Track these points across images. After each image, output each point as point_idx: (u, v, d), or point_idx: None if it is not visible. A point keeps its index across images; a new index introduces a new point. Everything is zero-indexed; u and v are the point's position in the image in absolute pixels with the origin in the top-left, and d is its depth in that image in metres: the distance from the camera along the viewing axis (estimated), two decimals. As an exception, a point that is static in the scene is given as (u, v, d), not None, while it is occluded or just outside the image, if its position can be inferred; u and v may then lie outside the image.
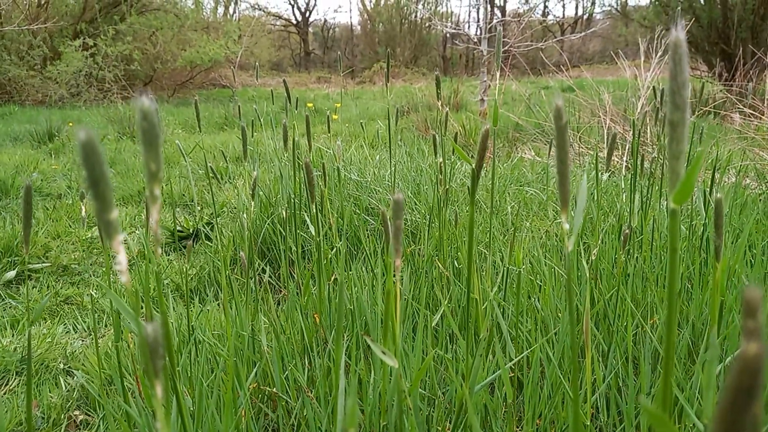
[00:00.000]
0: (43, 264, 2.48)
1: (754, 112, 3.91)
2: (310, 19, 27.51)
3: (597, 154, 1.49)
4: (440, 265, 1.42)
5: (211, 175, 1.63)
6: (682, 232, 1.67)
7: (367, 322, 1.36)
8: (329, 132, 1.97)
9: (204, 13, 13.78)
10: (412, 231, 2.30)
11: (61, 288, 2.29)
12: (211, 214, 3.00)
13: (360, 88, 14.73)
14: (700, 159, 0.31)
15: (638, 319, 1.22)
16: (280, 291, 2.04)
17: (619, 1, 18.27)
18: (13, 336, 1.89)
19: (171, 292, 2.23)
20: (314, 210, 1.12)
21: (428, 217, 1.93)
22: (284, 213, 1.56)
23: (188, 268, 2.34)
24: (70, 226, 3.02)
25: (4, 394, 1.59)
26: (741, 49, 7.16)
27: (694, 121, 1.88)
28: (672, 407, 0.95)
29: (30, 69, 10.28)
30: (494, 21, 7.50)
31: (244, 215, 1.25)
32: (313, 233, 1.27)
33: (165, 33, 11.74)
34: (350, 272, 1.55)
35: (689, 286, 1.46)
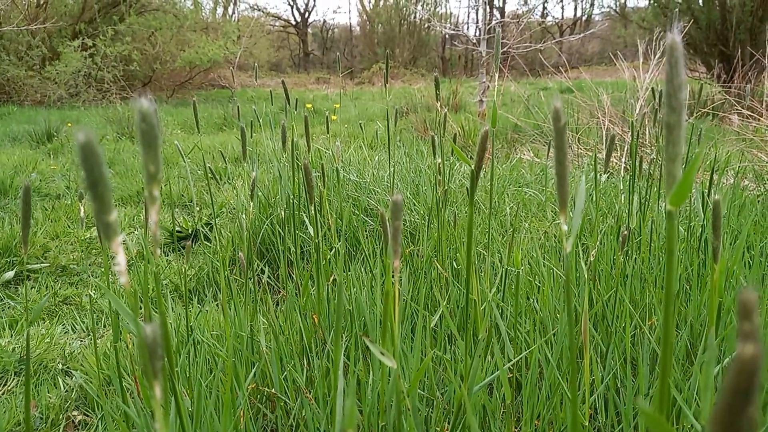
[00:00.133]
0: (42, 264, 2.48)
1: (752, 114, 3.91)
2: (309, 20, 27.51)
3: (596, 155, 1.49)
4: (439, 266, 1.42)
5: (209, 175, 1.63)
6: (680, 234, 1.67)
7: (366, 323, 1.36)
8: (328, 133, 1.97)
9: (203, 14, 13.78)
10: (411, 232, 2.30)
11: (60, 288, 2.28)
12: (210, 214, 3.00)
13: (359, 88, 14.74)
14: (697, 161, 0.31)
15: (636, 320, 1.22)
16: (279, 291, 2.04)
17: (617, 3, 18.30)
18: (11, 336, 1.88)
19: (170, 292, 2.23)
20: (313, 211, 1.12)
21: (427, 218, 1.93)
22: (283, 214, 1.56)
23: (187, 269, 2.34)
24: (69, 227, 3.02)
25: (3, 394, 1.59)
26: (739, 50, 7.17)
27: (692, 122, 1.88)
28: (670, 408, 0.95)
29: (29, 69, 10.27)
30: (493, 22, 7.51)
31: (243, 216, 1.26)
32: (312, 234, 1.27)
33: (164, 33, 11.74)
34: (349, 273, 1.55)
35: (688, 287, 1.46)
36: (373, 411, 0.97)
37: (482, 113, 6.96)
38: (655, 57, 4.04)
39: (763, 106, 3.88)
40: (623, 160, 3.49)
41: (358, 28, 26.42)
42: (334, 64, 23.97)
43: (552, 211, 2.42)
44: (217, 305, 1.96)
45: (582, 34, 8.33)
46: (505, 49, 6.74)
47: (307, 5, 29.07)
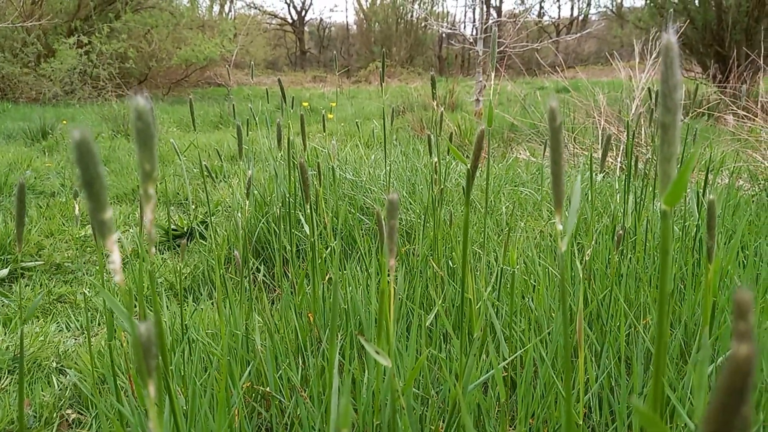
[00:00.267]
0: (36, 262, 2.47)
1: (747, 114, 3.93)
2: (306, 18, 27.47)
3: (591, 155, 1.49)
4: (434, 265, 1.42)
5: (205, 173, 1.62)
6: (675, 233, 1.67)
7: (362, 322, 1.36)
8: (324, 131, 1.96)
9: (199, 12, 13.75)
10: (407, 231, 2.30)
11: (54, 286, 2.28)
12: (206, 213, 2.99)
13: (356, 87, 14.72)
14: (692, 161, 0.31)
15: (631, 319, 1.22)
16: (275, 290, 2.04)
17: (614, 3, 18.33)
18: (5, 334, 1.88)
19: (165, 291, 2.22)
20: (309, 209, 1.12)
21: (423, 216, 1.93)
22: (278, 212, 1.56)
23: (182, 267, 2.33)
24: (64, 225, 3.00)
25: (-4, 392, 1.58)
26: (735, 51, 7.19)
27: (688, 122, 1.89)
28: (664, 407, 0.96)
29: (24, 66, 10.22)
30: (490, 21, 7.51)
31: (239, 214, 1.25)
32: (308, 232, 1.27)
33: (160, 31, 11.70)
34: (345, 272, 1.55)
35: (682, 286, 1.47)
36: (368, 410, 0.97)
37: (479, 112, 6.96)
38: (651, 57, 4.05)
39: (758, 106, 3.90)
40: (619, 159, 3.50)
41: (354, 27, 26.39)
42: (330, 62, 23.95)
43: (548, 211, 2.42)
44: (212, 304, 1.96)
45: (578, 34, 8.34)
46: (501, 48, 6.74)
47: (303, 3, 29.00)
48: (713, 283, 1.22)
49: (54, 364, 1.72)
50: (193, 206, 3.36)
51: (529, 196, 2.82)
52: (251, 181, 1.14)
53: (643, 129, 3.50)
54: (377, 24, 22.66)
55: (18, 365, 1.69)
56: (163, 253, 2.63)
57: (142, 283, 0.86)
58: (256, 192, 2.51)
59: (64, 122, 6.64)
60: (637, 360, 1.13)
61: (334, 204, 2.28)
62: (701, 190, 1.69)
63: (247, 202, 1.18)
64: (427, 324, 1.03)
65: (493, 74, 1.12)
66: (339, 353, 1.26)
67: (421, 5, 22.56)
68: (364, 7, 23.27)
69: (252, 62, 2.69)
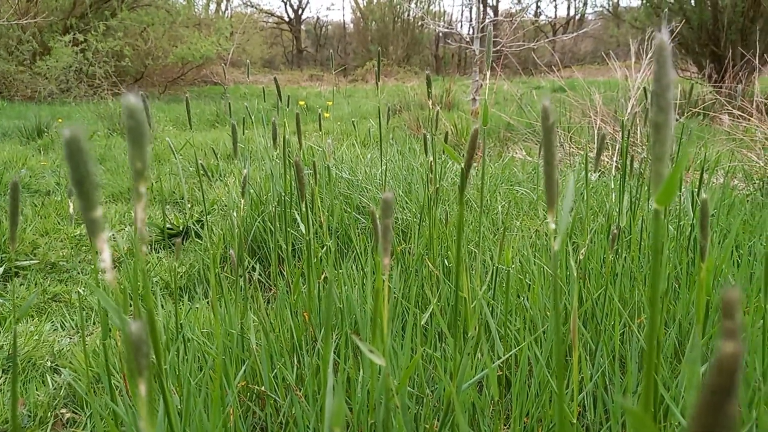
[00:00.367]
0: (31, 261, 2.46)
1: (742, 114, 3.94)
2: (303, 17, 27.39)
3: (587, 154, 1.50)
4: (430, 264, 1.42)
5: (201, 172, 1.62)
6: (670, 232, 1.68)
7: (357, 321, 1.36)
8: (320, 130, 1.96)
9: (196, 10, 13.71)
10: (403, 230, 2.30)
11: (49, 285, 2.27)
12: (202, 211, 2.99)
13: (352, 86, 14.71)
14: (684, 161, 0.31)
15: (626, 318, 1.23)
16: (271, 289, 2.04)
17: (610, 2, 18.35)
18: (0, 333, 1.87)
19: (160, 290, 2.22)
20: (304, 208, 1.12)
21: (419, 215, 1.93)
22: (274, 211, 1.56)
23: (177, 266, 2.33)
24: (59, 223, 3.00)
25: (-9, 392, 1.57)
26: (730, 51, 7.21)
27: (683, 122, 1.89)
28: (658, 406, 0.96)
29: (19, 64, 10.18)
30: (486, 20, 7.52)
31: (234, 213, 1.25)
32: (304, 231, 1.27)
33: (156, 29, 11.67)
34: (340, 271, 1.55)
35: (677, 285, 1.47)
36: (363, 409, 0.97)
37: (475, 111, 6.97)
38: (646, 56, 4.05)
39: (754, 106, 3.91)
40: (615, 159, 3.51)
41: (351, 26, 26.37)
42: (327, 61, 23.90)
43: (543, 210, 2.43)
44: (207, 303, 1.96)
45: (575, 33, 8.35)
46: (498, 47, 6.75)
47: (300, 2, 28.96)
48: (707, 281, 1.22)
49: (49, 364, 1.71)
50: (189, 205, 3.36)
51: (525, 195, 2.82)
52: (246, 179, 1.14)
53: (638, 128, 3.51)
54: (374, 23, 22.64)
55: (12, 364, 1.68)
56: (158, 252, 2.62)
57: (137, 281, 0.86)
58: (252, 191, 2.50)
59: (60, 121, 6.61)
60: (631, 359, 1.13)
61: (330, 203, 2.28)
62: (696, 190, 1.70)
63: (243, 201, 1.18)
64: (422, 323, 1.03)
65: (488, 73, 1.12)
66: (334, 352, 1.26)
67: (418, 4, 22.55)
68: (361, 6, 23.25)
69: (248, 61, 2.68)
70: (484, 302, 1.00)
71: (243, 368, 1.06)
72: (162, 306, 1.87)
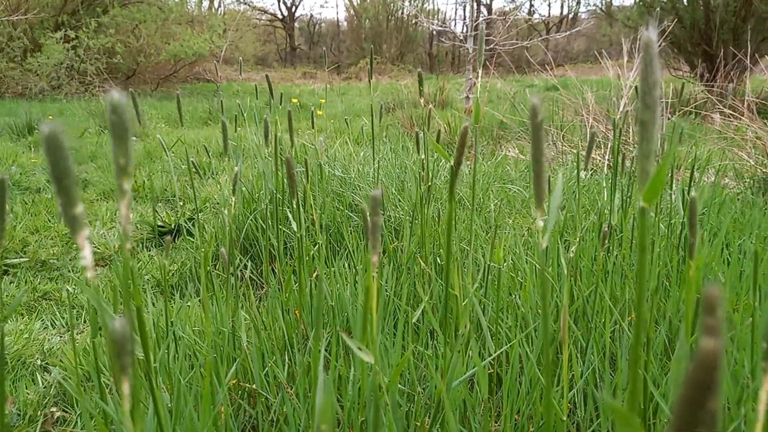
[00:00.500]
0: (21, 259, 2.44)
1: (733, 113, 3.96)
2: (296, 14, 27.32)
3: (579, 152, 1.50)
4: (422, 262, 1.42)
5: (193, 170, 1.61)
6: (661, 231, 1.69)
7: (349, 319, 1.36)
8: (313, 128, 1.96)
9: (188, 7, 13.63)
10: (396, 228, 2.30)
11: (40, 283, 2.25)
12: (194, 209, 2.97)
13: (346, 84, 14.69)
14: (669, 158, 0.31)
15: (616, 316, 1.23)
16: (263, 287, 2.03)
17: (603, 1, 18.41)
18: (-11, 332, 1.85)
19: (151, 288, 2.21)
20: (295, 205, 1.12)
21: (412, 213, 1.93)
22: (266, 209, 1.55)
23: (168, 264, 2.32)
24: (49, 221, 2.98)
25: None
26: (722, 50, 7.25)
27: (674, 121, 1.90)
28: (648, 403, 0.97)
29: (10, 61, 10.09)
30: (480, 19, 7.53)
31: (226, 211, 1.25)
32: (295, 229, 1.27)
33: (148, 26, 11.60)
34: (332, 269, 1.55)
35: (667, 283, 1.48)
36: (354, 406, 0.97)
37: (468, 110, 6.97)
38: (639, 55, 4.06)
39: (744, 105, 3.93)
40: (607, 157, 3.52)
41: (345, 23, 26.32)
42: (321, 59, 23.84)
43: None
44: (199, 301, 1.95)
45: (568, 32, 8.37)
46: (491, 46, 6.75)
47: (293, -1, 28.85)
48: (697, 279, 1.22)
49: (39, 362, 1.70)
50: (181, 203, 3.34)
51: (517, 193, 2.83)
52: (237, 177, 1.14)
53: (630, 127, 3.52)
54: (368, 21, 22.61)
55: None
56: (149, 250, 2.61)
57: (127, 279, 0.85)
58: (244, 189, 2.50)
59: (51, 118, 6.57)
60: (621, 356, 1.14)
61: (322, 200, 2.27)
62: (687, 188, 1.71)
63: (233, 199, 1.17)
64: (413, 320, 1.03)
65: (480, 71, 1.12)
66: (325, 350, 1.26)
67: (412, 2, 22.53)
68: (355, 4, 23.21)
69: (240, 58, 2.67)
70: (476, 300, 1.00)
71: (234, 366, 1.06)
72: (153, 304, 1.86)
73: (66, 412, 1.48)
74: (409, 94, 7.88)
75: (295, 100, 7.01)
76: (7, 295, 2.15)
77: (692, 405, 0.21)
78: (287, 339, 1.28)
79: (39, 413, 1.46)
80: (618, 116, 3.28)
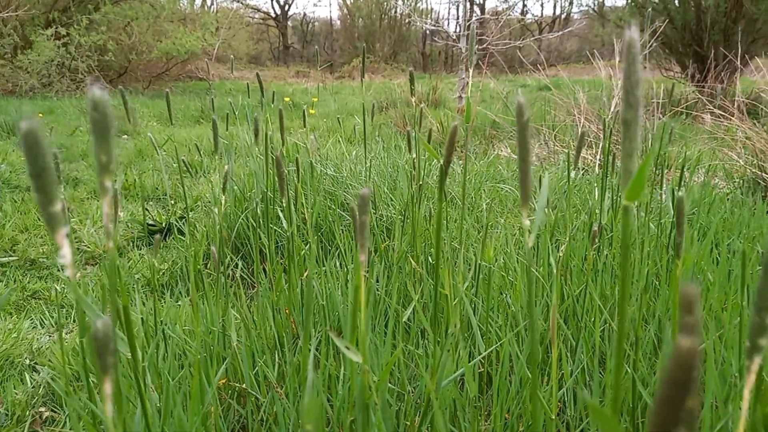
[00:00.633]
0: (11, 258, 2.42)
1: (724, 114, 3.99)
2: (289, 13, 27.27)
3: (569, 152, 1.50)
4: (413, 261, 1.42)
5: (184, 168, 1.60)
6: (651, 230, 1.70)
7: (340, 318, 1.36)
8: (305, 127, 1.95)
9: (181, 4, 13.56)
10: (388, 227, 2.30)
11: (29, 282, 2.24)
12: (185, 208, 2.96)
13: (339, 83, 14.66)
14: (651, 157, 0.32)
15: (606, 315, 1.24)
16: (254, 287, 2.03)
17: (596, 2, 18.48)
18: (-24, 331, 1.84)
19: (142, 287, 2.20)
20: (285, 204, 1.11)
21: (404, 213, 1.93)
22: (258, 208, 1.55)
23: (158, 263, 2.31)
24: (39, 220, 2.95)
25: (-33, 390, 1.55)
26: (713, 51, 7.30)
27: (665, 121, 1.91)
28: (636, 402, 0.97)
29: (0, 58, 10.00)
30: (473, 18, 7.53)
31: (216, 209, 1.24)
32: (286, 227, 1.26)
33: (140, 23, 11.53)
34: (323, 268, 1.55)
35: (657, 282, 1.49)
36: (344, 406, 0.97)
37: (461, 109, 6.98)
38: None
39: (735, 106, 3.96)
40: (598, 157, 3.54)
41: (338, 22, 26.27)
42: (314, 57, 23.77)
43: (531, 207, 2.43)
44: (189, 300, 1.94)
45: (560, 32, 8.40)
46: (484, 45, 6.76)
47: (287, -2, 28.76)
48: (686, 278, 1.23)
49: (27, 361, 1.69)
50: (172, 201, 3.33)
51: (509, 192, 2.84)
52: (228, 175, 1.13)
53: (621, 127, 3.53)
54: (361, 19, 22.58)
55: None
56: (140, 249, 2.59)
57: (111, 278, 0.85)
58: (235, 187, 2.49)
59: (41, 115, 6.52)
60: (611, 355, 1.14)
61: (313, 199, 2.27)
62: (677, 188, 1.72)
63: (224, 197, 1.17)
64: (404, 319, 1.03)
65: (471, 71, 1.12)
66: (316, 349, 1.26)
67: (405, 1, 22.52)
68: (348, 3, 23.18)
69: (232, 56, 2.66)
70: (467, 299, 1.00)
71: (224, 365, 1.05)
72: (144, 303, 1.85)
73: (54, 412, 1.47)
74: (402, 93, 7.88)
75: (287, 99, 6.99)
76: (-5, 294, 2.13)
77: (670, 404, 0.21)
78: (277, 338, 1.28)
79: (27, 413, 1.45)
80: (609, 116, 3.29)
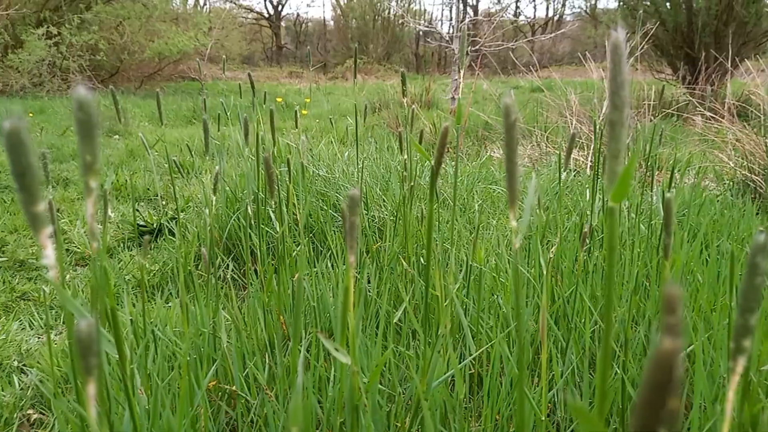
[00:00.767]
0: (0, 258, 2.40)
1: (714, 116, 4.02)
2: (283, 13, 27.21)
3: (561, 154, 1.51)
4: (404, 262, 1.42)
5: (175, 169, 1.60)
6: (641, 231, 1.70)
7: (332, 320, 1.35)
8: (297, 127, 1.95)
9: (173, 4, 13.51)
10: (380, 228, 2.30)
11: (18, 283, 2.22)
12: (176, 209, 2.95)
13: (332, 83, 14.66)
14: (635, 159, 0.32)
15: (596, 316, 1.24)
16: (245, 288, 2.02)
17: (588, 4, 18.58)
18: (-36, 333, 1.82)
19: (132, 288, 2.18)
20: (275, 205, 1.11)
21: (396, 213, 1.93)
22: (249, 209, 1.54)
23: (147, 264, 2.30)
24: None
25: (-46, 392, 1.53)
26: (704, 53, 7.35)
27: (656, 122, 1.92)
28: (627, 402, 0.97)
29: (-10, 57, 9.93)
30: (466, 20, 7.55)
31: (206, 210, 1.24)
32: (277, 228, 1.26)
33: (132, 23, 11.47)
34: (315, 269, 1.54)
35: (647, 283, 1.50)
36: (334, 407, 0.97)
37: (454, 110, 6.99)
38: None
39: (725, 108, 3.99)
40: (589, 158, 3.55)
41: (332, 23, 26.26)
42: (307, 58, 23.71)
43: (518, 209, 2.44)
44: (180, 301, 1.93)
45: (553, 34, 8.44)
46: (477, 47, 6.78)
47: (280, -2, 28.70)
48: (676, 279, 1.24)
49: (16, 363, 1.67)
50: (164, 202, 3.31)
51: (501, 194, 2.84)
52: (218, 176, 1.13)
53: (613, 129, 3.55)
54: (354, 20, 22.58)
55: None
56: (131, 250, 2.58)
57: (105, 279, 0.84)
58: (227, 188, 2.48)
59: (32, 115, 6.48)
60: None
61: (305, 200, 2.27)
62: (667, 189, 1.72)
63: (214, 198, 1.16)
64: (394, 321, 1.03)
65: (463, 72, 1.12)
66: (307, 351, 1.26)
67: (399, 2, 22.54)
68: (341, 3, 23.18)
69: (224, 56, 2.66)
70: (457, 300, 1.00)
71: (213, 367, 1.05)
72: (134, 304, 1.84)
73: (43, 414, 1.46)
74: (395, 94, 7.88)
75: (280, 100, 6.98)
76: (-16, 296, 2.11)
77: (652, 405, 0.21)
78: (268, 340, 1.28)
79: (15, 415, 1.44)
80: (600, 118, 3.31)
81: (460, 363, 0.97)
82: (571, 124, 4.09)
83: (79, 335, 0.32)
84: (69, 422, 1.00)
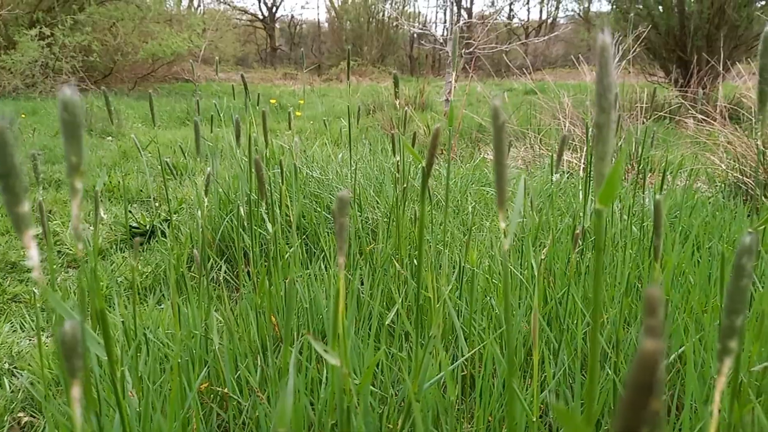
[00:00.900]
0: (-10, 260, 2.39)
1: (706, 118, 4.04)
2: (277, 15, 27.17)
3: (553, 156, 1.51)
4: (397, 264, 1.42)
5: (168, 170, 1.59)
6: (633, 233, 1.71)
7: (324, 321, 1.35)
8: (290, 129, 1.95)
9: (167, 5, 13.48)
10: (373, 229, 2.30)
11: (9, 286, 2.20)
12: (169, 210, 2.94)
13: (327, 85, 14.66)
14: (622, 161, 0.32)
15: (588, 317, 1.25)
16: (238, 290, 2.01)
17: (581, 7, 18.67)
18: (-46, 335, 1.81)
19: (124, 290, 2.17)
20: (266, 208, 1.11)
21: (389, 215, 1.93)
22: (242, 210, 1.54)
23: (138, 266, 2.29)
24: (20, 222, 2.91)
25: (-57, 395, 1.52)
26: (696, 56, 7.40)
27: (648, 125, 1.93)
28: (617, 404, 0.98)
29: (-18, 58, 9.87)
30: (460, 22, 7.56)
31: (199, 212, 1.23)
32: (270, 231, 1.26)
33: (126, 24, 11.43)
34: (307, 271, 1.54)
35: (639, 285, 1.50)
36: (325, 409, 0.96)
37: (448, 112, 7.00)
38: (614, 61, 4.12)
39: (717, 111, 4.01)
40: (582, 160, 3.56)
41: (326, 25, 26.26)
42: (301, 59, 23.69)
43: (508, 210, 2.45)
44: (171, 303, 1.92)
45: (546, 37, 8.46)
46: (471, 49, 6.80)
47: (274, 0, 28.68)
48: (666, 280, 1.24)
49: (7, 366, 1.66)
50: (157, 204, 3.30)
51: (494, 196, 2.85)
52: (210, 177, 1.12)
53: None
54: (349, 22, 22.59)
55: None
56: (123, 251, 2.57)
57: (96, 281, 0.84)
58: (220, 190, 2.47)
59: (24, 116, 6.44)
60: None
61: (298, 202, 2.26)
62: (659, 191, 1.73)
63: (206, 200, 1.16)
64: (387, 322, 1.03)
65: (455, 74, 1.13)
66: (299, 352, 1.25)
67: (393, 5, 22.57)
68: (336, 5, 23.19)
69: (217, 58, 2.65)
70: (450, 302, 1.00)
71: (205, 369, 1.05)
72: (126, 306, 1.83)
73: (34, 417, 1.45)
74: (389, 96, 7.89)
75: (274, 101, 6.97)
76: (-26, 298, 2.09)
77: (634, 406, 0.21)
78: (260, 341, 1.27)
79: (6, 418, 1.43)
80: (592, 120, 3.32)
81: (452, 364, 0.97)
82: (564, 126, 4.11)
83: (64, 337, 0.31)
84: (59, 425, 0.99)
